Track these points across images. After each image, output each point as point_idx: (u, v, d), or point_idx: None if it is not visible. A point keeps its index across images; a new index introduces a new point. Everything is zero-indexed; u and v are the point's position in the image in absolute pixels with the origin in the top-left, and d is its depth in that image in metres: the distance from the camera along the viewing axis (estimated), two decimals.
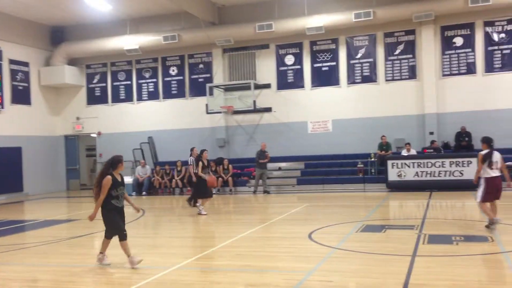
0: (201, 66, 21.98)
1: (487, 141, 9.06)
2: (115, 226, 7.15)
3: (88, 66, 23.67)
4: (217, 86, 20.71)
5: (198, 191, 12.96)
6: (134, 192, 19.96)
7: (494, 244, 7.74)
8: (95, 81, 23.60)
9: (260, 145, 18.75)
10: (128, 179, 20.31)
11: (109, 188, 7.02)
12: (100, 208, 7.15)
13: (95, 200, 7.20)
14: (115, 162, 7.19)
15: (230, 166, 19.41)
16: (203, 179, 12.79)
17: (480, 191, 8.92)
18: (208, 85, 20.52)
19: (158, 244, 9.49)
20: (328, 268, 6.83)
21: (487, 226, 8.92)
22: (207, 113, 20.42)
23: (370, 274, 6.40)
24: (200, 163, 12.87)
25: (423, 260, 6.89)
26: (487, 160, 8.81)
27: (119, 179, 7.21)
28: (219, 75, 21.35)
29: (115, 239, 7.24)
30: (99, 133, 23.43)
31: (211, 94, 20.46)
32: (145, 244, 9.45)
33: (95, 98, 23.58)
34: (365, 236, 9.12)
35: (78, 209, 16.48)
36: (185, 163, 20.11)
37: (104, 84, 23.45)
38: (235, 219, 12.99)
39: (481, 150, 9.10)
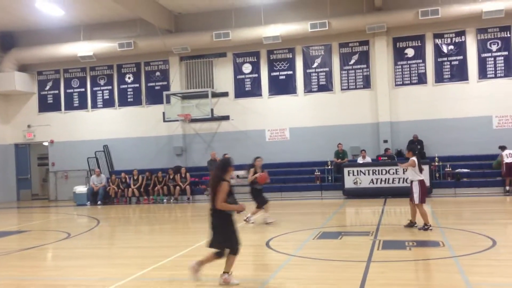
0: (157, 73, 21.76)
1: (413, 150, 10.42)
2: (234, 239, 6.39)
3: (40, 73, 22.97)
4: (174, 94, 20.52)
5: (256, 201, 12.15)
6: (88, 202, 19.44)
7: (445, 249, 7.99)
8: (47, 88, 22.92)
9: (216, 154, 18.78)
10: (82, 189, 19.83)
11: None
12: (214, 218, 6.33)
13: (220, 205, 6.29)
14: (226, 166, 6.41)
15: (188, 174, 19.25)
16: (254, 188, 11.99)
17: (417, 194, 9.77)
18: (165, 93, 20.30)
19: (113, 255, 9.26)
20: (285, 275, 6.86)
21: (423, 229, 9.66)
22: (164, 121, 20.19)
23: (326, 280, 6.48)
24: (252, 171, 12.06)
25: (378, 265, 7.03)
26: (418, 165, 9.97)
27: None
28: (176, 83, 21.18)
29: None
30: (51, 142, 22.72)
31: (168, 102, 20.23)
32: (99, 255, 9.20)
33: (47, 105, 22.88)
34: (321, 243, 9.22)
35: (29, 220, 15.88)
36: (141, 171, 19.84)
37: (56, 91, 22.81)
38: (193, 228, 12.86)
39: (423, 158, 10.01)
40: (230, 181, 6.30)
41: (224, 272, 6.41)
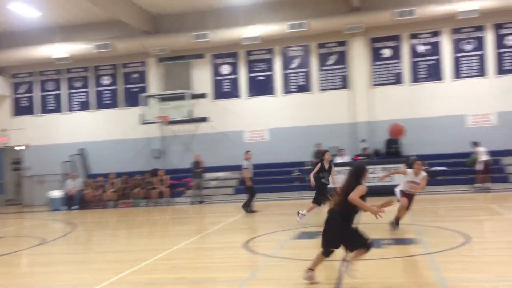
0: (135, 75, 21.56)
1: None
2: (363, 236, 6.06)
3: (14, 75, 22.56)
4: (152, 96, 20.37)
5: (317, 195, 11.65)
6: (64, 207, 19.12)
7: (420, 246, 8.08)
8: (22, 91, 22.52)
9: (199, 156, 18.71)
10: (58, 193, 19.52)
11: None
12: (334, 222, 6.04)
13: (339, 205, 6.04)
14: (360, 172, 6.12)
15: (166, 177, 19.10)
16: (322, 183, 11.58)
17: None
18: (142, 95, 20.15)
19: (89, 260, 9.11)
20: (264, 276, 6.83)
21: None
22: (142, 123, 20.02)
23: (304, 280, 6.47)
24: (319, 166, 11.64)
25: (357, 263, 7.05)
26: None
27: None
28: (154, 84, 21.03)
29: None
30: (26, 146, 22.29)
31: (146, 104, 20.09)
32: (75, 260, 9.05)
33: (22, 108, 22.48)
34: (300, 243, 9.23)
35: (3, 226, 15.54)
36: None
37: (31, 94, 22.43)
38: (171, 231, 12.76)
39: (411, 157, 9.92)
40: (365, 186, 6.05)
41: (345, 260, 6.17)
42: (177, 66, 21.17)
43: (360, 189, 5.95)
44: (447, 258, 7.16)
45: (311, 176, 11.68)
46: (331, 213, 6.15)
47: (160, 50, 20.32)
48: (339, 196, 6.10)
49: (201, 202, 17.96)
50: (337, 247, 6.14)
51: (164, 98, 20.53)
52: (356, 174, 6.12)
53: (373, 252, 7.82)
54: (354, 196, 5.90)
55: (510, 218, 10.87)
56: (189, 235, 10.98)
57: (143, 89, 21.07)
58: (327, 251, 6.19)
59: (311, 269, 6.27)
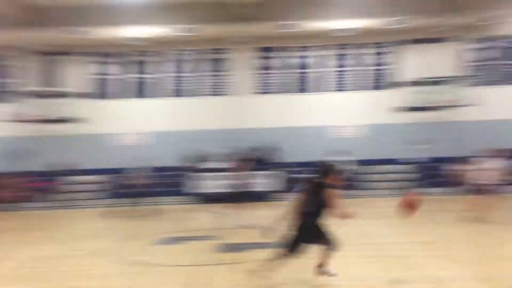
0: (8, 70, 19.96)
1: None
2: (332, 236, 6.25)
3: None
4: (25, 93, 18.92)
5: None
6: None
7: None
8: None
9: (68, 157, 17.78)
10: None
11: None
12: (312, 220, 6.12)
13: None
14: (327, 171, 6.19)
15: (21, 179, 17.52)
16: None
17: None
18: (14, 91, 18.64)
19: None
20: (120, 284, 6.58)
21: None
22: (9, 121, 18.46)
23: (166, 286, 6.30)
24: (249, 167, 12.03)
25: (221, 268, 7.09)
26: None
27: None
28: (29, 81, 19.57)
29: None
30: None
31: (17, 101, 18.63)
32: None
33: None
34: (165, 249, 9.08)
35: None
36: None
37: None
38: (22, 238, 11.26)
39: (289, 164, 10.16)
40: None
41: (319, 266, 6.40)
42: (55, 62, 19.94)
43: (336, 194, 6.02)
44: (308, 260, 7.36)
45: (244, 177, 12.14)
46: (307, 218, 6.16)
47: (38, 44, 18.97)
48: (305, 197, 6.15)
49: (62, 207, 16.88)
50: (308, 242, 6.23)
51: (40, 96, 19.14)
52: (324, 174, 6.19)
53: (240, 256, 7.86)
54: (340, 208, 6.01)
55: (366, 223, 11.35)
56: (41, 242, 10.14)
57: (16, 85, 19.51)
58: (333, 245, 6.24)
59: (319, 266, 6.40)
